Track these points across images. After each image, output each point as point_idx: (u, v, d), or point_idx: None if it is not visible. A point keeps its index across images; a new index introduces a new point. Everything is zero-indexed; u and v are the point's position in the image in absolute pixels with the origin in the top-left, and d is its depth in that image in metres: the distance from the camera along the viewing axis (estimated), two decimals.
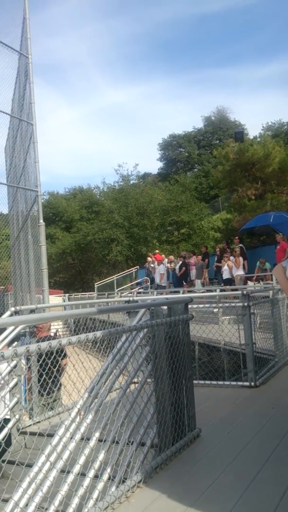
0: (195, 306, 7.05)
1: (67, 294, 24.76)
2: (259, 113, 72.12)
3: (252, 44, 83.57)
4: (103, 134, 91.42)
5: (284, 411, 4.36)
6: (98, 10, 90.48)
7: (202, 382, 5.79)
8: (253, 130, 72.46)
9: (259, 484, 2.86)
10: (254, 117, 77.75)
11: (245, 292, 5.84)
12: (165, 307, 3.85)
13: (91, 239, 32.64)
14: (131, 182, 34.03)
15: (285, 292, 3.09)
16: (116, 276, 24.51)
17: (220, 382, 5.72)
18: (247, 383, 5.44)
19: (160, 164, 52.88)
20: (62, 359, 5.18)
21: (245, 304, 5.68)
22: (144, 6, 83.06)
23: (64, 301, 20.92)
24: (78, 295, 26.00)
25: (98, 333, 2.76)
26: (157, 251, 22.96)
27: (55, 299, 20.59)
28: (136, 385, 3.32)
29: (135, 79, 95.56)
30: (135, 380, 3.58)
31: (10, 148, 11.83)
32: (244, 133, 28.31)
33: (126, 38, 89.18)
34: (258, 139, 26.10)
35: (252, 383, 5.38)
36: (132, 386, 3.40)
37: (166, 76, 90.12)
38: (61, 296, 23.82)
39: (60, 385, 5.04)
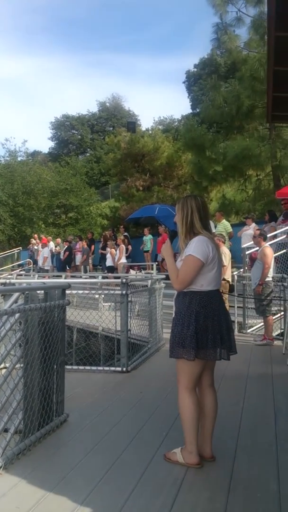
0: (75, 292, 7.05)
1: None
2: (153, 106, 73.85)
3: (150, 36, 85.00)
4: None
5: (150, 395, 4.59)
6: None
7: (76, 367, 5.84)
8: (146, 122, 74.03)
9: (121, 465, 2.98)
10: (147, 110, 79.54)
11: (124, 280, 5.99)
12: (42, 292, 3.78)
13: None
14: (19, 158, 32.49)
15: (171, 274, 3.01)
16: None
17: (94, 368, 5.81)
18: (119, 368, 5.61)
19: (51, 144, 51.56)
20: None
21: (124, 292, 5.84)
22: None
23: None
24: None
25: None
26: (42, 235, 22.37)
27: None
28: (3, 371, 3.21)
29: (32, 52, 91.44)
30: (4, 365, 3.46)
31: None
32: (136, 124, 28.83)
33: (24, 7, 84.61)
34: (150, 132, 26.71)
35: (124, 369, 5.57)
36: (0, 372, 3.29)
37: (64, 53, 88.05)
38: None
39: None
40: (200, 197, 3.11)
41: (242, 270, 9.44)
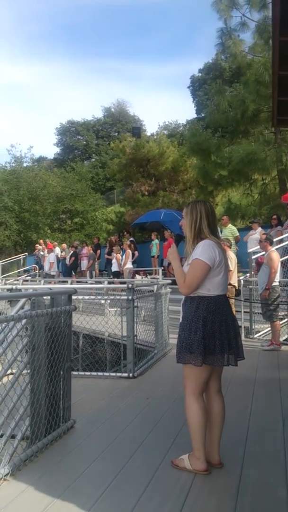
0: (81, 297, 7.06)
1: None
2: (157, 111, 73.98)
3: (154, 41, 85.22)
4: None
5: (157, 401, 4.57)
6: None
7: (82, 373, 5.84)
8: (151, 127, 74.20)
9: (128, 471, 2.96)
10: (152, 115, 79.77)
11: (130, 285, 5.98)
12: (48, 297, 3.79)
13: None
14: (25, 164, 32.66)
15: (177, 279, 3.00)
16: (2, 262, 23.45)
17: (100, 373, 5.80)
18: (125, 374, 5.60)
19: (57, 149, 51.78)
20: None
21: (130, 297, 5.83)
22: None
23: None
24: None
25: None
26: (48, 241, 22.43)
27: None
28: (10, 376, 3.22)
29: (35, 58, 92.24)
30: (11, 371, 3.47)
31: None
32: (141, 129, 28.93)
33: (27, 15, 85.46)
34: (155, 137, 26.77)
35: (131, 374, 5.55)
36: (7, 378, 3.29)
37: (67, 59, 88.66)
38: None
39: None
40: (209, 203, 3.11)
41: (248, 274, 9.40)
